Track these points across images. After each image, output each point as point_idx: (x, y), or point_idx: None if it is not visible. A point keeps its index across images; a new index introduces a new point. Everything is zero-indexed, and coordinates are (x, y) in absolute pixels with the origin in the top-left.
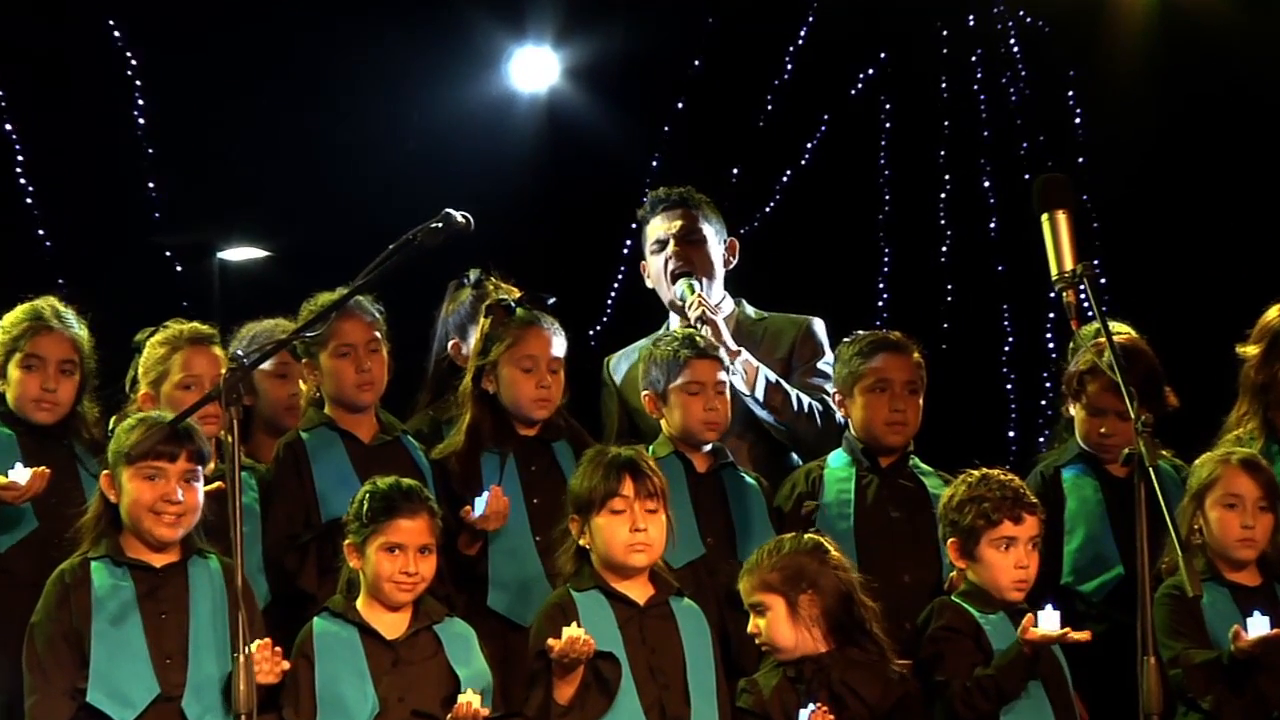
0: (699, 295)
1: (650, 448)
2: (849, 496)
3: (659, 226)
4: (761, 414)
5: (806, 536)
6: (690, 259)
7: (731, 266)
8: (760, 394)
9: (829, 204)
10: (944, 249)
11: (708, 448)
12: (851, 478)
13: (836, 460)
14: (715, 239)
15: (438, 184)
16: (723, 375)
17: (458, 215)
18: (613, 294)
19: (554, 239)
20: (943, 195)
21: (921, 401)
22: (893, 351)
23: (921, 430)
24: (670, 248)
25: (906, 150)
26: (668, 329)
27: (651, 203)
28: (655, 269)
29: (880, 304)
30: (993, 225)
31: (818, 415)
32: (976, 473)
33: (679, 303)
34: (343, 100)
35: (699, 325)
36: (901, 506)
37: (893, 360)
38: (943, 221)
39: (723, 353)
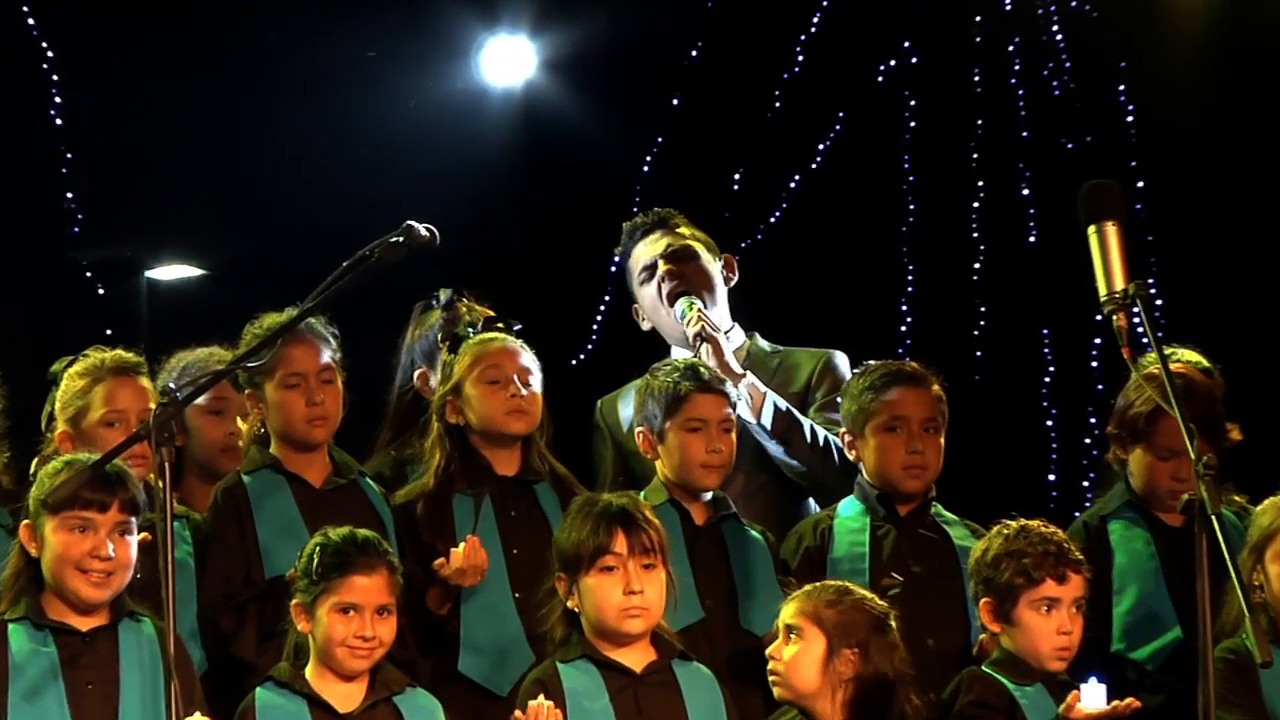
0: (698, 310)
1: (642, 494)
2: (863, 549)
3: (643, 254)
4: (771, 447)
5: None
6: (684, 276)
7: (732, 284)
8: (768, 421)
9: (844, 214)
10: (976, 266)
11: (708, 496)
12: (865, 528)
13: (848, 509)
14: (707, 254)
15: (398, 192)
16: (729, 412)
17: (421, 227)
18: (598, 318)
19: (531, 254)
20: (975, 204)
21: (943, 441)
22: (908, 384)
23: (948, 475)
24: (660, 267)
25: (934, 153)
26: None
27: (628, 233)
28: (649, 299)
29: (903, 329)
30: (1032, 238)
31: (835, 451)
32: (1014, 524)
33: (680, 323)
34: (288, 97)
35: (698, 344)
36: (923, 560)
37: (909, 394)
38: (975, 234)
39: (727, 367)
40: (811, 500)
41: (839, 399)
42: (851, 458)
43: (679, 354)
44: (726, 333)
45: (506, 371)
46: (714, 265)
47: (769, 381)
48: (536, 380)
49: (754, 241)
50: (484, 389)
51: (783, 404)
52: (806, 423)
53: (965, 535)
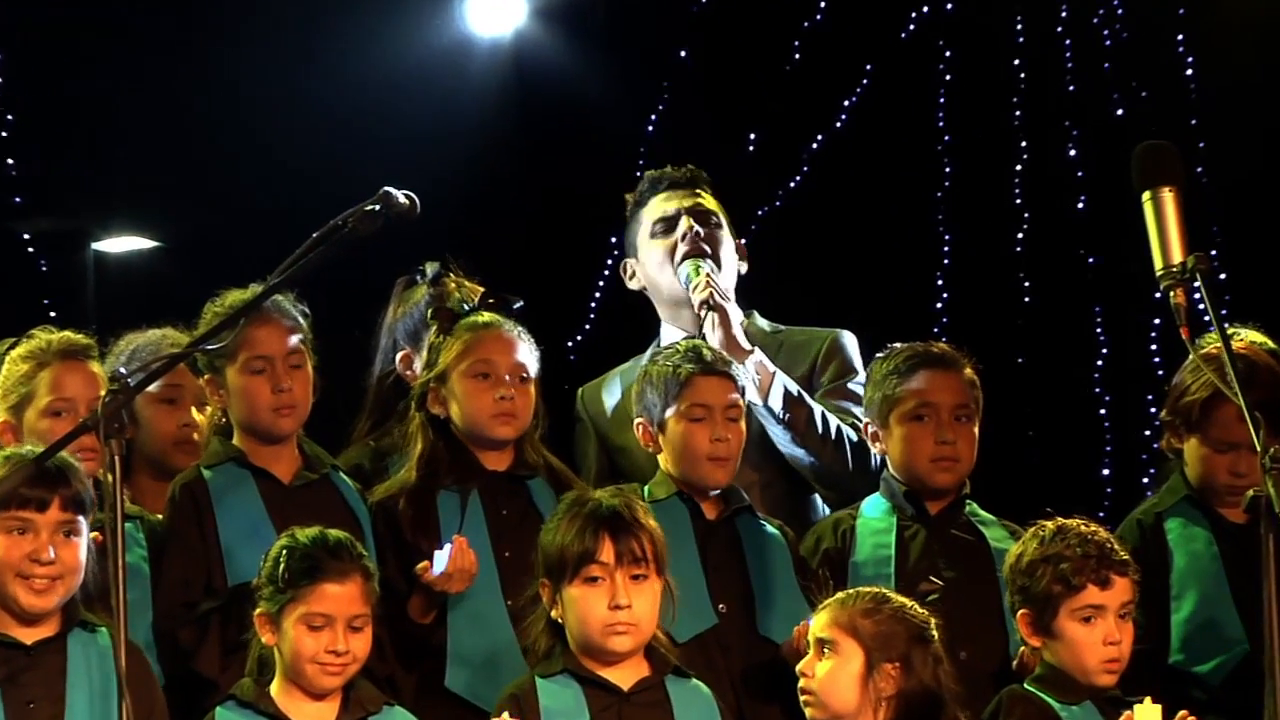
0: (707, 275)
1: (646, 488)
2: (889, 553)
3: (662, 204)
4: (776, 432)
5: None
6: (706, 237)
7: (742, 274)
8: (776, 404)
9: (871, 179)
10: (1019, 236)
11: (716, 491)
12: (891, 529)
13: (872, 508)
14: (729, 232)
15: (374, 155)
16: (736, 397)
17: (399, 195)
18: (597, 295)
19: (522, 224)
20: (1018, 168)
21: (976, 431)
22: (937, 368)
23: (988, 469)
24: (683, 224)
25: (972, 111)
26: (659, 345)
27: (650, 182)
28: (656, 256)
29: (938, 307)
30: (1081, 205)
31: (847, 444)
32: (1050, 524)
33: (685, 287)
34: (250, 50)
35: (704, 312)
36: (956, 564)
37: (938, 379)
38: (1018, 201)
39: (734, 341)
40: (819, 500)
41: (849, 383)
42: (876, 451)
43: (668, 330)
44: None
45: (498, 368)
46: (730, 246)
47: None
48: (532, 372)
49: (771, 209)
50: (471, 384)
51: (793, 386)
52: (818, 408)
53: (1003, 537)
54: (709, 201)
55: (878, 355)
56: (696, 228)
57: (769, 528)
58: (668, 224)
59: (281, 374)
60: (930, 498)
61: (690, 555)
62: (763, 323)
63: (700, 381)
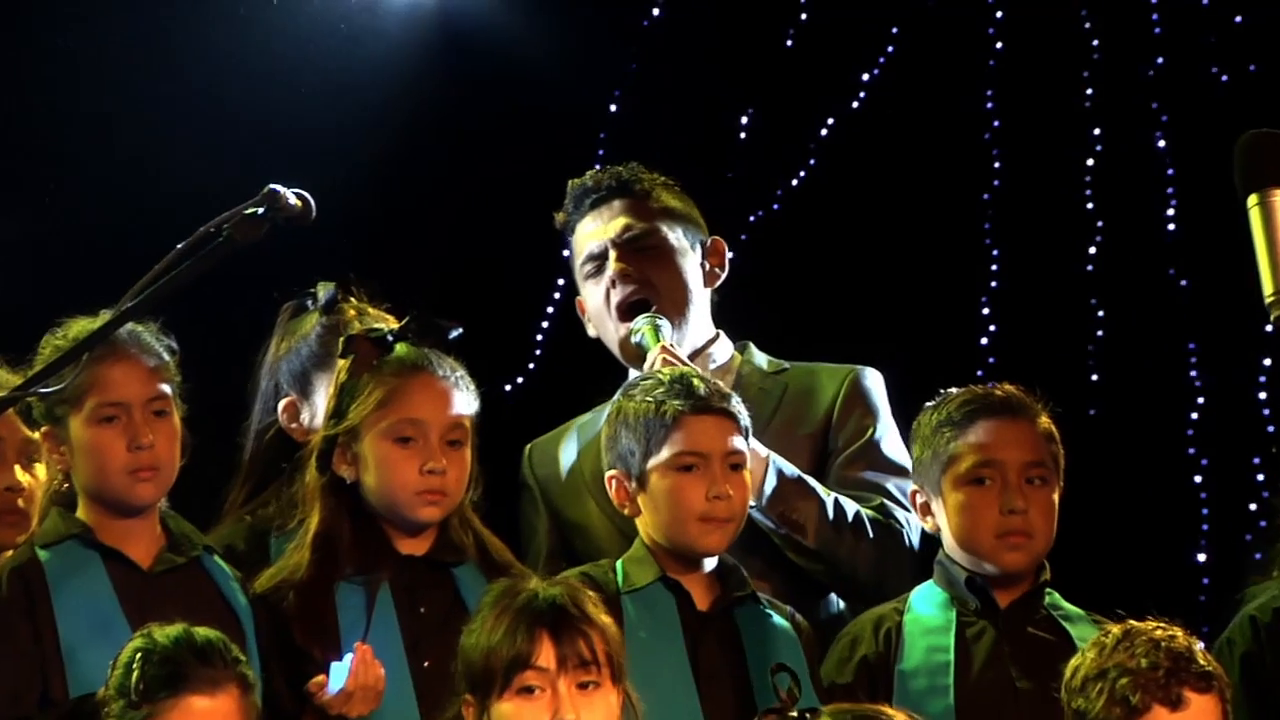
0: (664, 346)
1: (618, 567)
2: (947, 658)
3: (590, 234)
4: (771, 529)
5: None
6: (644, 279)
7: (721, 280)
8: (767, 498)
9: (897, 174)
10: (1091, 251)
11: (712, 564)
12: (950, 628)
13: (924, 600)
14: (684, 241)
15: (259, 143)
16: (739, 442)
17: (289, 194)
18: (544, 324)
19: (447, 232)
20: (1089, 163)
21: (1056, 497)
22: (1003, 417)
23: (1065, 548)
24: (611, 263)
25: (1027, 86)
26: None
27: (574, 198)
28: (595, 302)
29: (983, 343)
30: (1171, 211)
31: (868, 527)
32: (1117, 627)
33: (638, 351)
34: (94, 11)
35: None
36: (1035, 673)
37: (1004, 431)
38: (1089, 206)
39: None
40: (833, 596)
41: (876, 442)
42: (928, 528)
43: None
44: (709, 344)
45: (428, 430)
46: (691, 257)
47: (770, 415)
48: (470, 430)
49: (767, 213)
50: (391, 450)
51: (791, 470)
52: (828, 496)
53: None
54: (651, 208)
55: (927, 405)
56: (621, 284)
57: (777, 620)
58: (597, 263)
59: (140, 426)
60: (999, 585)
61: (677, 659)
62: (760, 359)
63: (692, 423)
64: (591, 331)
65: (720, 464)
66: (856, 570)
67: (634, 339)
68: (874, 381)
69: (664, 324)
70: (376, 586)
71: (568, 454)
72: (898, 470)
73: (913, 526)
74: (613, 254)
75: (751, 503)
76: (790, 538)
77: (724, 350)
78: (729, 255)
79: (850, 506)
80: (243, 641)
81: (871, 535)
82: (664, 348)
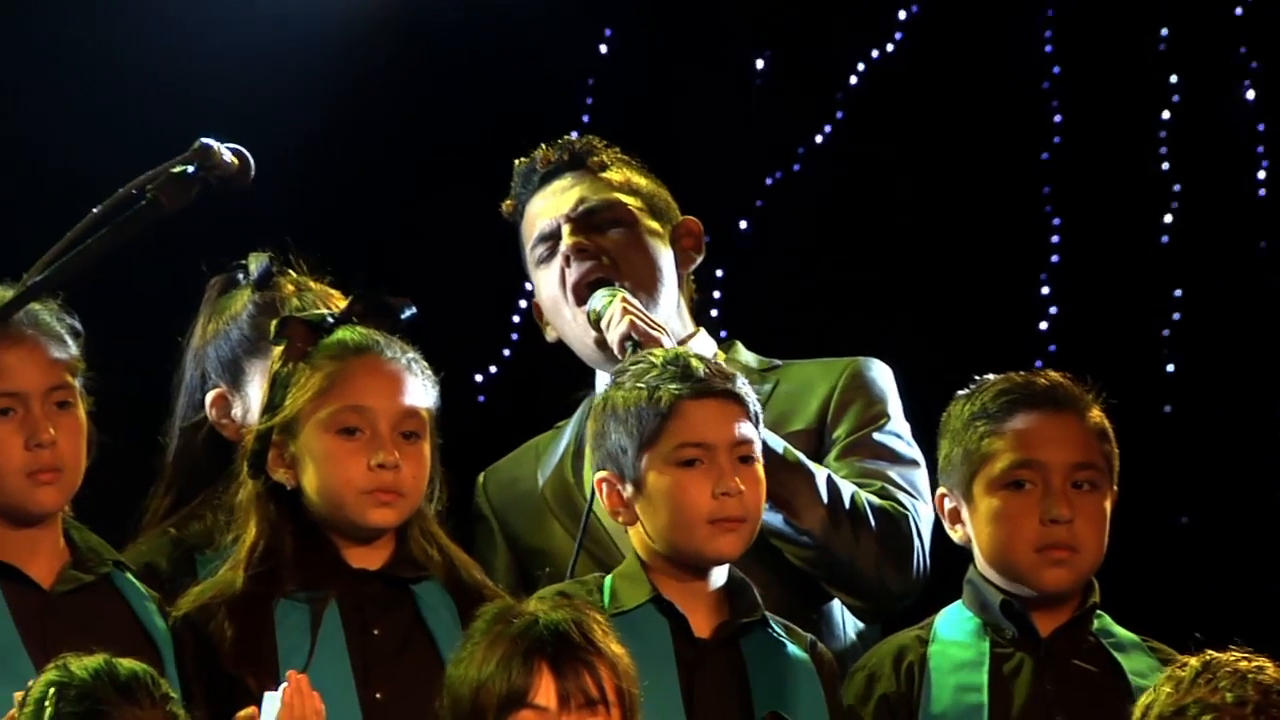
0: (624, 298)
1: (607, 585)
2: (980, 699)
3: (539, 213)
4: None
5: None
6: (604, 254)
7: (697, 264)
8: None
9: (941, 132)
10: (1167, 221)
11: (719, 579)
12: (983, 661)
13: (952, 626)
14: (650, 218)
15: (190, 98)
16: (746, 429)
17: (224, 151)
18: (522, 304)
19: (403, 199)
20: (1164, 116)
21: (1109, 506)
22: (1046, 409)
23: (1114, 570)
24: (564, 238)
25: (1092, 27)
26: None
27: (521, 178)
28: (548, 291)
29: (1043, 328)
30: (1262, 175)
31: (870, 515)
32: (1196, 659)
33: (596, 326)
34: None
35: (628, 349)
36: (1080, 712)
37: (1047, 426)
38: (1165, 168)
39: None
40: (838, 612)
41: (877, 432)
42: (956, 538)
43: (603, 380)
44: (686, 340)
45: (375, 418)
46: (659, 235)
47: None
48: (427, 423)
49: (786, 174)
50: (334, 443)
51: (778, 442)
52: (821, 472)
53: (1150, 669)
54: (608, 182)
55: (959, 394)
56: (577, 260)
57: (792, 649)
58: (549, 244)
59: (39, 420)
60: (1039, 607)
61: (671, 695)
62: (748, 357)
63: (692, 409)
64: (550, 335)
65: (727, 455)
66: (856, 564)
67: (590, 307)
68: (878, 372)
69: (622, 288)
70: (323, 605)
71: (526, 476)
72: (904, 461)
73: (920, 514)
74: (566, 229)
75: None
76: (782, 532)
77: (705, 348)
78: (706, 238)
79: (848, 489)
80: (160, 671)
81: (871, 518)
82: (624, 299)
